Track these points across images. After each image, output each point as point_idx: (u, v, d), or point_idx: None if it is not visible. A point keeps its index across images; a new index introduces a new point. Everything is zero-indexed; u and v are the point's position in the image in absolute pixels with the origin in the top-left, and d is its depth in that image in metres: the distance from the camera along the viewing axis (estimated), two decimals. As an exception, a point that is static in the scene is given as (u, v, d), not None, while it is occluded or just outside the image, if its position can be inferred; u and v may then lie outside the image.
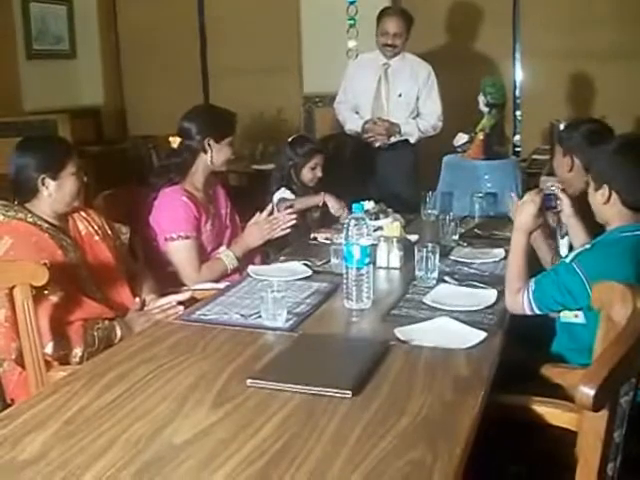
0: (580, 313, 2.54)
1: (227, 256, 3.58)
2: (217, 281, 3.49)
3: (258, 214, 3.71)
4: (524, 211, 2.61)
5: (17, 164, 2.91)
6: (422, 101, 5.39)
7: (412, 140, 5.36)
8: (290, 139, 4.39)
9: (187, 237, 3.48)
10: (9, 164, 2.93)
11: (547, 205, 2.69)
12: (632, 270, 2.39)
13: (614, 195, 2.49)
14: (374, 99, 5.37)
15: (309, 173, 4.27)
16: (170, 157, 3.65)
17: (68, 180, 2.92)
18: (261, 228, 3.65)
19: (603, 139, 2.89)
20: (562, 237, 3.06)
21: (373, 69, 5.42)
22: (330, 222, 4.15)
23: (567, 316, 2.61)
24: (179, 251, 3.49)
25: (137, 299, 3.05)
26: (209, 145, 3.59)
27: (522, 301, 2.53)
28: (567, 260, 2.51)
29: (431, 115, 5.38)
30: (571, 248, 2.93)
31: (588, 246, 2.54)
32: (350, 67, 5.65)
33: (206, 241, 3.61)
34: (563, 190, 2.86)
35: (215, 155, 3.61)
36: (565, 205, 2.83)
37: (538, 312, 2.53)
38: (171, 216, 3.52)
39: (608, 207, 2.52)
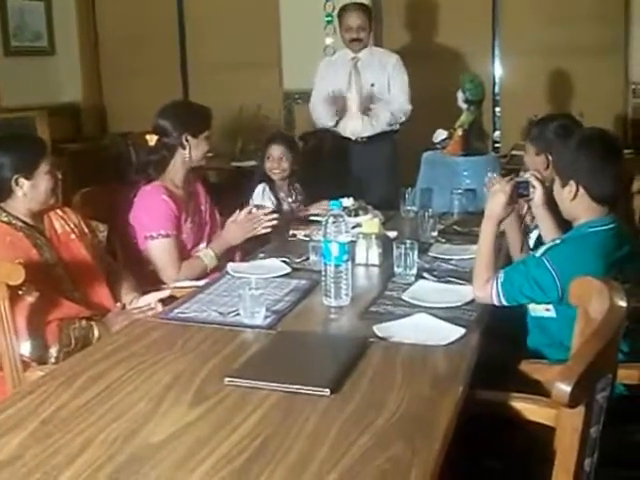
0: (551, 307, 2.55)
1: (206, 255, 3.55)
2: (197, 279, 3.48)
3: (238, 212, 3.69)
4: (494, 200, 2.61)
5: None
6: (391, 86, 5.45)
7: (382, 122, 5.41)
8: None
9: (167, 235, 3.46)
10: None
11: (519, 193, 2.69)
12: (601, 264, 2.42)
13: (581, 190, 2.51)
14: (347, 92, 5.39)
15: (267, 163, 4.31)
16: (148, 154, 3.63)
17: (42, 179, 2.90)
18: (242, 226, 3.62)
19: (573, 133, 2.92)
20: (532, 229, 3.08)
21: (343, 65, 5.50)
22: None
23: (537, 310, 2.62)
24: (159, 250, 3.47)
25: (118, 304, 3.04)
26: (187, 141, 3.58)
27: (490, 291, 2.53)
28: (537, 254, 2.52)
29: (398, 97, 5.43)
30: (539, 240, 2.94)
31: (558, 241, 2.56)
32: (320, 67, 5.69)
33: (186, 239, 3.60)
34: (538, 178, 2.85)
35: (193, 150, 3.60)
36: (537, 194, 2.82)
37: (505, 303, 2.52)
38: (151, 214, 3.50)
39: (576, 203, 2.54)
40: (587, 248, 2.46)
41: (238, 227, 3.63)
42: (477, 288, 2.60)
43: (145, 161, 3.64)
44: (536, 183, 2.82)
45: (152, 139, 3.60)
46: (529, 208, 2.97)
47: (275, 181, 4.31)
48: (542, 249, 2.54)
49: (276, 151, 4.33)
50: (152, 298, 3.02)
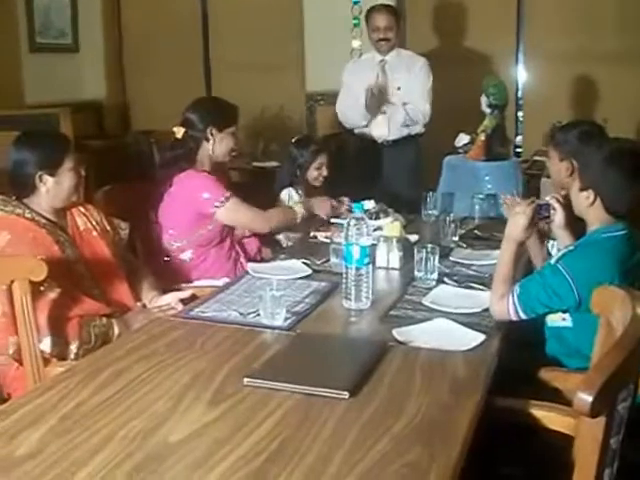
0: (567, 316, 2.55)
1: (297, 205, 3.77)
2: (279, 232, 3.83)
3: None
4: (515, 222, 2.61)
5: (14, 160, 2.90)
6: (413, 87, 5.39)
7: (399, 122, 5.34)
8: (294, 139, 4.39)
9: (229, 197, 3.54)
10: (7, 159, 2.92)
11: (539, 215, 2.69)
12: (616, 269, 2.41)
13: (598, 200, 2.51)
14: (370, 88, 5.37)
15: (314, 172, 4.28)
16: (174, 148, 3.68)
17: (66, 176, 2.91)
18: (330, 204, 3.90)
19: (596, 140, 2.91)
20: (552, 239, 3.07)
21: (370, 67, 5.46)
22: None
23: (554, 320, 2.60)
24: (233, 209, 3.56)
25: (139, 303, 3.06)
26: (211, 134, 3.63)
27: (507, 306, 2.50)
28: (552, 261, 2.53)
29: (417, 98, 5.36)
30: None
31: (572, 247, 2.57)
32: (347, 70, 5.64)
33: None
34: (559, 201, 2.85)
35: (217, 144, 3.65)
36: (558, 216, 2.83)
37: (523, 316, 2.50)
38: (205, 188, 3.55)
39: (590, 209, 2.55)
40: (601, 253, 2.47)
41: (328, 203, 3.91)
42: (494, 303, 2.57)
43: (172, 155, 3.68)
44: (557, 205, 2.82)
45: (179, 131, 3.65)
46: (550, 230, 2.98)
47: (300, 186, 4.29)
48: (557, 256, 2.55)
49: (326, 159, 4.33)
50: (172, 298, 3.04)
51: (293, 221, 3.73)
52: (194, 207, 3.54)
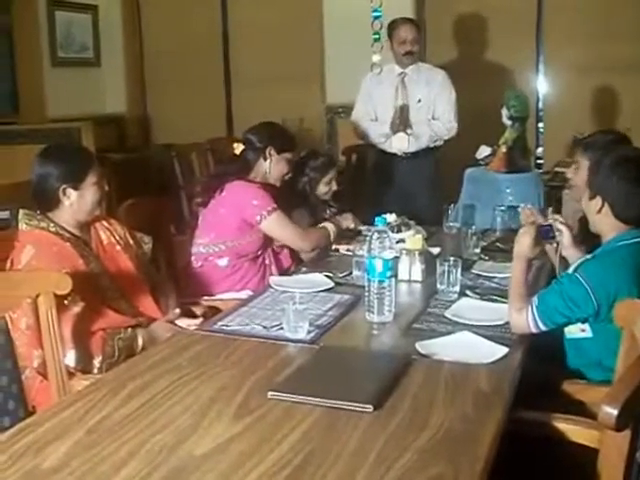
0: (587, 327, 2.54)
1: (329, 225, 3.82)
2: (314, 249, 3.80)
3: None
4: (520, 241, 2.63)
5: (39, 174, 2.92)
6: (438, 103, 5.36)
7: (424, 142, 5.31)
8: (302, 155, 4.35)
9: (275, 209, 3.60)
10: (30, 172, 2.95)
11: (544, 236, 2.70)
12: (632, 278, 2.42)
13: (606, 207, 2.52)
14: (394, 107, 5.36)
15: (325, 187, 4.24)
16: (231, 162, 3.82)
17: (89, 190, 2.93)
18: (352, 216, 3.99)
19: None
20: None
21: (389, 80, 5.43)
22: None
23: (573, 332, 2.60)
24: (278, 222, 3.63)
25: (177, 310, 3.08)
26: (270, 154, 3.72)
27: (526, 318, 2.50)
28: (570, 271, 2.54)
29: (444, 115, 5.33)
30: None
31: (589, 256, 2.58)
32: (365, 81, 5.61)
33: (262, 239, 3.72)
34: (562, 222, 2.85)
35: (273, 165, 3.75)
36: (565, 237, 2.84)
37: (543, 328, 2.49)
38: (255, 196, 3.62)
39: (601, 217, 2.56)
40: (618, 261, 2.47)
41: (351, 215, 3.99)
42: (513, 317, 2.56)
43: (227, 167, 3.82)
44: (562, 227, 2.83)
45: (238, 148, 3.79)
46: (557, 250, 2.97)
47: (311, 201, 4.27)
48: (574, 265, 2.57)
49: (335, 173, 4.30)
50: (187, 325, 3.02)
51: (328, 239, 3.79)
52: (242, 213, 3.61)
